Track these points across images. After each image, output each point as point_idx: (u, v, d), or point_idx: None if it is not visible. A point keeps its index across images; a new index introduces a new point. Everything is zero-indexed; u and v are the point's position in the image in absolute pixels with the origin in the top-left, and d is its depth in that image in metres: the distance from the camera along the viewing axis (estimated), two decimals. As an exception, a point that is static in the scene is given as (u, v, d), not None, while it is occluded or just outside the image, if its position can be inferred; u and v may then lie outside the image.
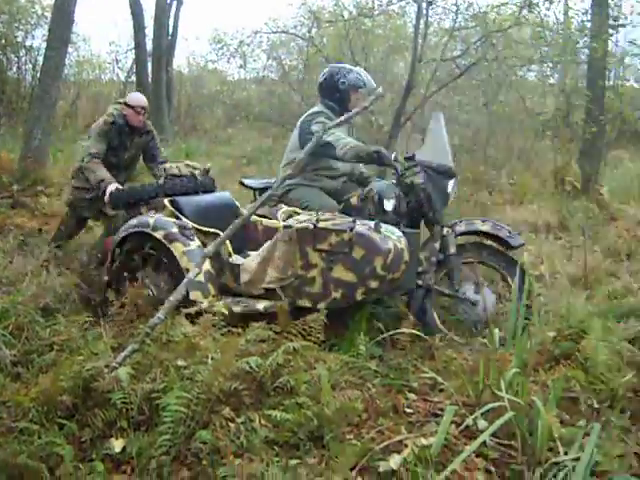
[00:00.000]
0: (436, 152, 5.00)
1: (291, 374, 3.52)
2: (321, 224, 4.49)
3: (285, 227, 4.57)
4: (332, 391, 3.44)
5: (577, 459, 2.88)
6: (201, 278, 4.57)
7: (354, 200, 5.05)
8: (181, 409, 3.12)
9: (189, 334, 3.75)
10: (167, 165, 5.53)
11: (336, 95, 5.38)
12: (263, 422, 3.26)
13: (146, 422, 3.27)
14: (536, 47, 12.05)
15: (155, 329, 3.76)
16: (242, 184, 5.92)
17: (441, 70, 11.08)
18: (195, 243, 4.78)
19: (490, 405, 3.16)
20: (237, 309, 4.54)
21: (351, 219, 4.57)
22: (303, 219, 4.67)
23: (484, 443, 3.13)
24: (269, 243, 4.65)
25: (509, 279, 4.95)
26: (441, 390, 3.88)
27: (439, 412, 3.57)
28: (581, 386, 3.99)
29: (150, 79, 15.94)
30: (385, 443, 3.20)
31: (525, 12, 10.49)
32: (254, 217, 4.98)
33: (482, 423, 3.24)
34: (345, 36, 12.18)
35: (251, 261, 4.73)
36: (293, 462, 3.07)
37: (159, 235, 4.77)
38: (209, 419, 3.23)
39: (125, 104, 6.30)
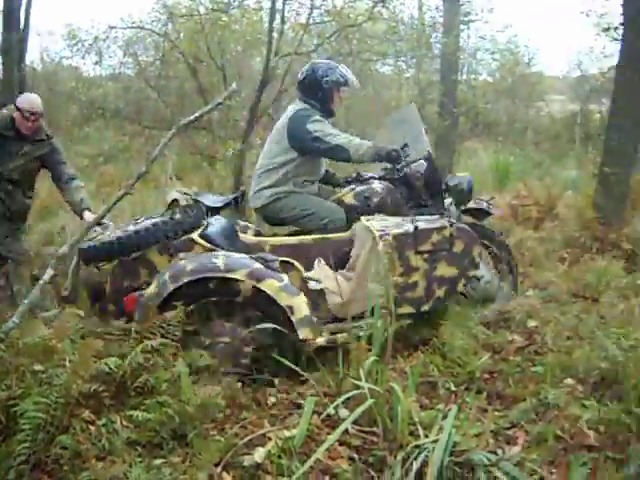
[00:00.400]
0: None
1: (151, 373, 3.47)
2: (420, 225, 4.48)
3: (382, 236, 4.37)
4: (193, 388, 3.42)
5: (436, 441, 2.97)
6: (307, 312, 4.14)
7: (348, 199, 5.07)
8: (39, 415, 3.03)
9: (45, 337, 3.62)
10: (176, 196, 4.84)
11: (318, 94, 5.06)
12: (125, 423, 3.21)
13: (3, 431, 3.14)
14: (390, 42, 12.29)
15: (9, 334, 3.63)
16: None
17: (298, 65, 11.16)
18: (285, 275, 4.22)
19: (350, 393, 3.22)
20: (362, 334, 4.13)
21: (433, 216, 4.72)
22: (388, 224, 4.54)
23: (346, 431, 3.19)
24: (363, 257, 4.43)
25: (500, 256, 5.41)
26: (303, 382, 3.92)
27: (301, 404, 3.60)
28: (439, 371, 4.14)
29: (0, 76, 15.40)
30: (249, 437, 3.22)
31: (379, 7, 10.67)
32: (258, 237, 4.84)
33: (343, 412, 3.29)
34: (201, 31, 12.07)
35: (340, 282, 4.43)
36: (157, 462, 3.05)
37: (239, 276, 4.07)
38: (69, 423, 3.15)
39: (15, 106, 5.35)
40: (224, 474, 3.00)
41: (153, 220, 4.42)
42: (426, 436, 3.13)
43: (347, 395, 3.22)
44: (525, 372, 4.23)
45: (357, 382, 3.28)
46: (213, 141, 11.70)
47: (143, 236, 4.26)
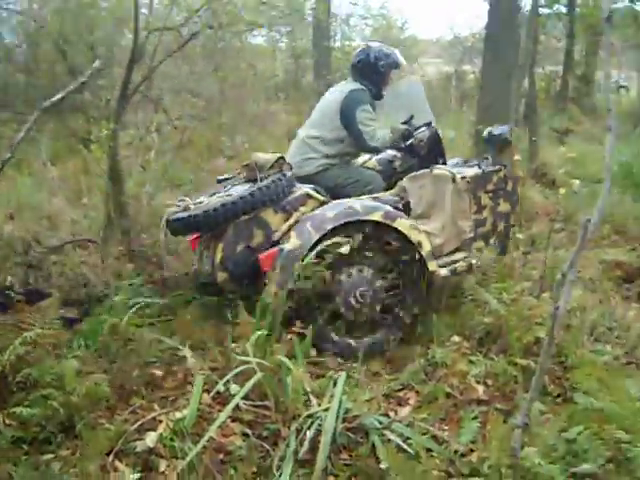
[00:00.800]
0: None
1: (33, 366, 3.34)
2: (486, 168, 4.98)
3: (463, 178, 4.74)
4: (77, 377, 3.32)
5: (328, 409, 2.98)
6: (430, 247, 4.47)
7: (372, 165, 5.38)
8: None
9: None
10: (279, 155, 4.65)
11: (373, 76, 5.21)
12: (8, 421, 3.09)
13: None
14: (262, 12, 12.21)
15: None
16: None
17: (172, 41, 10.99)
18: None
19: (239, 369, 3.20)
20: (475, 261, 4.74)
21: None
22: (459, 170, 4.92)
23: (238, 407, 3.17)
24: (448, 199, 4.77)
25: None
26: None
27: (191, 383, 3.56)
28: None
29: None
30: (139, 422, 3.16)
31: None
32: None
33: (234, 388, 3.25)
34: (67, 10, 11.75)
35: (435, 223, 4.79)
36: (45, 457, 2.97)
37: (377, 217, 4.30)
38: (-54, 429, 3.02)
39: None
40: (117, 462, 2.94)
41: (268, 180, 4.39)
42: (318, 405, 3.14)
43: (236, 371, 3.20)
44: (412, 333, 4.30)
45: (244, 357, 3.26)
46: (87, 122, 11.42)
47: (266, 193, 4.28)
